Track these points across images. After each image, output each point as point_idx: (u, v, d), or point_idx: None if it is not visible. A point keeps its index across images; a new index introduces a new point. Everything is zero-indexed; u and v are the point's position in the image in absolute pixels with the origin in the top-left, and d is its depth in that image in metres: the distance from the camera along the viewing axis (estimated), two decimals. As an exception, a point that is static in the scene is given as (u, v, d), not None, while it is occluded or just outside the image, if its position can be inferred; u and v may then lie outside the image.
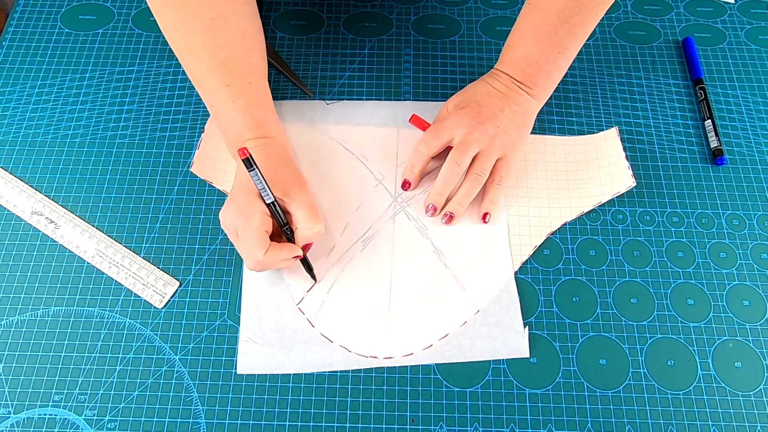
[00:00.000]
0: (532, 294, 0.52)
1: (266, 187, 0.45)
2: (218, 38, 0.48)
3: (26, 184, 0.56)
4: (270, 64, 0.63)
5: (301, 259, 0.49)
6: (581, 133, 0.60)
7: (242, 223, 0.46)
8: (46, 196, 0.56)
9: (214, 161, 0.57)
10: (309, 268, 0.51)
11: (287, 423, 0.47)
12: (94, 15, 0.66)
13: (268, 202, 0.46)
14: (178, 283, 0.52)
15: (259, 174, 0.44)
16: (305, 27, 0.66)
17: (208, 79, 0.49)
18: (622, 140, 0.59)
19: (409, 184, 0.56)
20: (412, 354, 0.49)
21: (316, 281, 0.52)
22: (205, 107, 0.60)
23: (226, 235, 0.54)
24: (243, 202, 0.46)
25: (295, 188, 0.48)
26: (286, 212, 0.48)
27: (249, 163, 0.43)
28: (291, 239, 0.48)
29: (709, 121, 0.60)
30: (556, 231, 0.55)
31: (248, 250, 0.46)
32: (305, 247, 0.49)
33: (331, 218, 0.55)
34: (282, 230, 0.48)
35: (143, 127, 0.59)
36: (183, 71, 0.62)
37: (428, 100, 0.61)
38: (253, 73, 0.50)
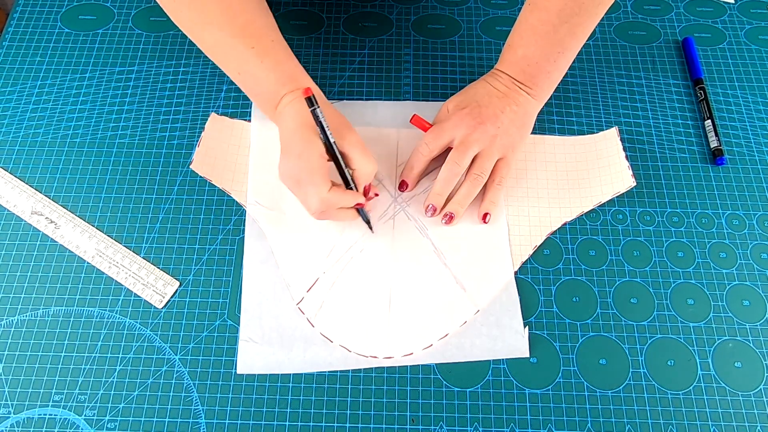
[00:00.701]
0: (532, 294, 0.52)
1: (327, 126, 0.46)
2: (232, 7, 0.49)
3: (26, 184, 0.56)
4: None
5: (358, 210, 0.51)
6: (581, 133, 0.60)
7: (303, 164, 0.46)
8: (46, 196, 0.56)
9: (213, 159, 0.57)
10: (366, 219, 0.52)
11: (287, 423, 0.47)
12: (94, 15, 0.66)
13: (332, 139, 0.47)
14: (178, 283, 0.52)
15: (321, 113, 0.46)
16: (305, 27, 0.66)
17: (231, 45, 0.50)
18: (622, 140, 0.59)
19: (407, 185, 0.55)
20: (412, 354, 0.49)
21: (372, 231, 0.53)
22: (204, 107, 0.60)
23: (226, 234, 0.54)
24: (301, 145, 0.47)
25: (345, 129, 0.49)
26: (341, 155, 0.49)
27: (312, 102, 0.45)
28: (348, 185, 0.50)
29: (709, 121, 0.60)
30: (556, 231, 0.55)
31: (312, 188, 0.47)
32: (365, 192, 0.51)
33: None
34: (340, 172, 0.49)
35: (143, 127, 0.59)
36: (183, 71, 0.62)
37: (428, 100, 0.61)
38: (271, 32, 0.51)
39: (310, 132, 0.47)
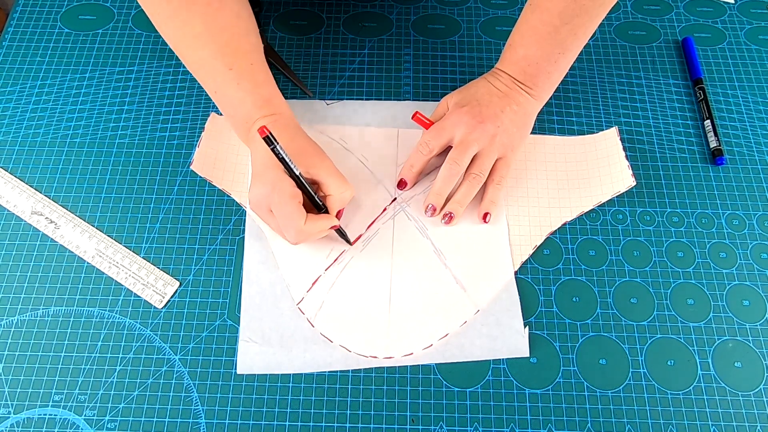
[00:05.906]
0: (532, 294, 0.52)
1: (290, 161, 0.46)
2: (217, 22, 0.48)
3: (26, 184, 0.56)
4: (270, 64, 0.62)
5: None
6: (581, 133, 0.60)
7: (276, 198, 0.46)
8: (46, 196, 0.56)
9: (213, 159, 0.57)
10: (343, 235, 0.52)
11: (287, 423, 0.47)
12: (94, 15, 0.66)
13: (297, 173, 0.47)
14: (178, 283, 0.52)
15: (281, 150, 0.44)
16: (305, 27, 0.66)
17: (211, 64, 0.49)
18: (622, 140, 0.59)
19: (406, 184, 0.55)
20: (412, 354, 0.49)
21: (351, 244, 0.53)
22: (204, 107, 0.60)
23: (226, 234, 0.54)
24: (272, 178, 0.47)
25: (317, 158, 0.49)
26: (312, 182, 0.49)
27: (270, 140, 0.43)
28: (321, 209, 0.50)
29: (709, 121, 0.60)
30: (556, 231, 0.55)
31: (288, 222, 0.47)
32: (338, 214, 0.51)
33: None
34: (313, 201, 0.49)
35: (143, 127, 0.59)
36: (183, 71, 0.62)
37: (428, 100, 0.61)
38: (253, 53, 0.51)
39: (281, 165, 0.47)
